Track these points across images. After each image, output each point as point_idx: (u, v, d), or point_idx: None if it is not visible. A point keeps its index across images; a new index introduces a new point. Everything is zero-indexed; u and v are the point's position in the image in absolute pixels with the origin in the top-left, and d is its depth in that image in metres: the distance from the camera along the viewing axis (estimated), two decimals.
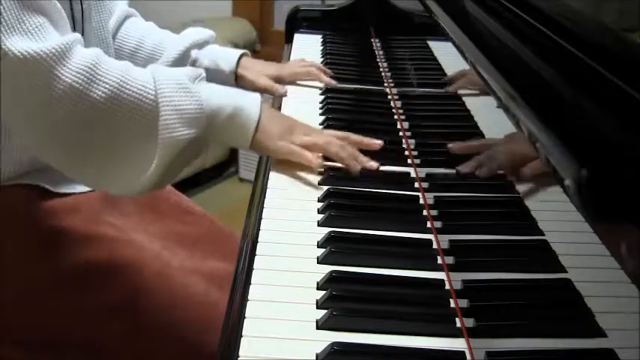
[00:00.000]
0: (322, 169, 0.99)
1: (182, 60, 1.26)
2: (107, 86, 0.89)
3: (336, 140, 1.01)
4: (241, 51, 1.33)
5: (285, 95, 1.31)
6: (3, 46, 0.84)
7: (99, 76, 0.89)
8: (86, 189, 1.10)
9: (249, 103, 0.99)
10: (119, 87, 0.90)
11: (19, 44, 0.84)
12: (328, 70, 1.38)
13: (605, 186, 0.47)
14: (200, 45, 1.29)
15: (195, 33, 1.29)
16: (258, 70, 1.33)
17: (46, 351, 1.05)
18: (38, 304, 1.03)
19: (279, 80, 1.34)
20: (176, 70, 1.00)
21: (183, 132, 0.93)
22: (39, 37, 0.87)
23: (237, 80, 1.32)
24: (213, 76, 1.27)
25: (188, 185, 2.54)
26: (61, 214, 1.06)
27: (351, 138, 1.03)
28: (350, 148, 1.01)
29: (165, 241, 1.12)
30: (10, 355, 1.04)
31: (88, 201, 1.09)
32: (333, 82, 1.34)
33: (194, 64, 1.28)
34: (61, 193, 1.08)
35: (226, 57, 1.30)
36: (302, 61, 1.40)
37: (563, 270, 0.61)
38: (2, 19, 0.84)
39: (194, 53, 1.27)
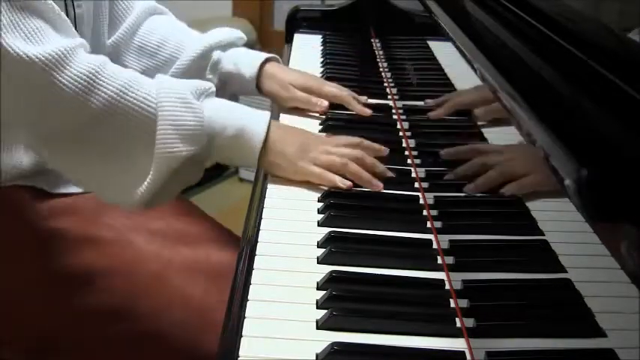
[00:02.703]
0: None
1: (202, 60, 1.21)
2: (106, 96, 0.88)
3: (353, 164, 0.95)
4: (267, 55, 1.23)
5: (326, 111, 1.18)
6: (4, 44, 0.83)
7: (99, 85, 0.88)
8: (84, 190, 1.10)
9: (256, 122, 0.95)
10: (119, 96, 0.89)
11: (18, 46, 0.84)
12: (362, 98, 1.22)
13: (605, 186, 0.47)
14: (224, 47, 1.23)
15: (219, 33, 1.23)
16: (288, 80, 1.20)
17: (41, 354, 1.04)
18: (34, 305, 1.03)
19: (307, 92, 1.20)
20: (183, 82, 0.97)
21: (181, 148, 0.90)
22: (38, 41, 0.86)
23: (261, 89, 1.22)
24: (235, 80, 1.22)
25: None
26: (59, 216, 1.05)
27: (363, 144, 1.00)
28: (369, 159, 0.97)
29: (167, 240, 1.12)
30: (5, 357, 1.04)
31: (86, 202, 1.08)
32: (368, 112, 1.19)
33: (216, 66, 1.22)
34: (59, 193, 1.07)
35: (249, 61, 1.21)
36: (337, 85, 1.23)
37: (563, 270, 0.61)
38: (2, 19, 0.84)
39: (216, 55, 1.21)
